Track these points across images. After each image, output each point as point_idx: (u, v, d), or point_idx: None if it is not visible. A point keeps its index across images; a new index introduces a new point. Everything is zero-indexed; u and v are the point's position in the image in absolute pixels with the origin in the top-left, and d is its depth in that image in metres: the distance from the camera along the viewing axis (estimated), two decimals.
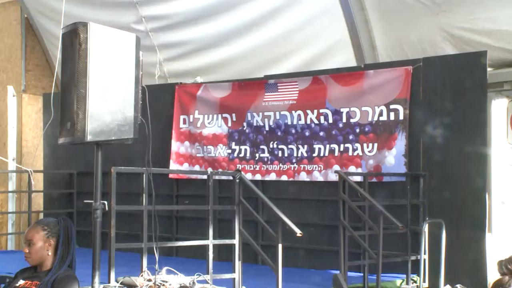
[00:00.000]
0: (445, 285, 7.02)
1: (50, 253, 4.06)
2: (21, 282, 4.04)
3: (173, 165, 9.75)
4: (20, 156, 11.80)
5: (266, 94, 9.08)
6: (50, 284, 3.90)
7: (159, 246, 5.57)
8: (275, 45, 9.54)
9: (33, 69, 12.22)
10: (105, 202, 5.00)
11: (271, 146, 9.00)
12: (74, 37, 4.72)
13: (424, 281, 7.31)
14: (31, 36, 12.21)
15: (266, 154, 9.04)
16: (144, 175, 5.71)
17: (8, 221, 11.60)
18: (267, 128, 9.06)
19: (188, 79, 10.16)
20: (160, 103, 9.70)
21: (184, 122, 9.83)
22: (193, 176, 9.56)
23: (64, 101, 4.86)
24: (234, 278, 6.32)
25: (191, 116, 9.74)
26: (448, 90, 7.76)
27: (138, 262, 5.77)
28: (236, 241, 6.40)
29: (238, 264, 6.35)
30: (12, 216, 11.60)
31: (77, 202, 10.62)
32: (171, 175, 9.69)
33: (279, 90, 8.99)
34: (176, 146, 9.84)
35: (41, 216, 10.71)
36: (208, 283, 5.99)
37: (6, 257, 9.26)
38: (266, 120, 9.06)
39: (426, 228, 7.25)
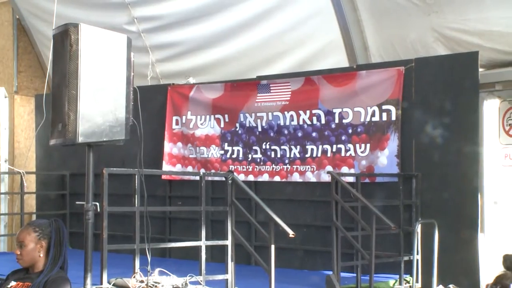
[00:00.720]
0: (438, 285, 7.03)
1: (41, 255, 4.05)
2: (13, 283, 4.03)
3: (166, 166, 9.74)
4: (12, 158, 11.76)
5: (258, 94, 9.08)
6: (42, 286, 3.90)
7: (152, 247, 5.57)
8: (268, 46, 9.54)
9: (25, 70, 12.18)
10: (97, 204, 4.99)
11: (263, 147, 9.00)
12: (65, 38, 4.70)
13: (417, 282, 7.33)
14: (23, 37, 12.18)
15: (259, 155, 9.04)
16: (136, 176, 5.70)
17: (1, 222, 11.55)
18: (259, 129, 9.06)
19: (181, 80, 10.14)
20: (152, 104, 9.69)
21: (177, 123, 9.81)
22: (186, 177, 9.55)
23: (55, 102, 4.84)
24: (226, 279, 6.31)
25: (184, 117, 9.73)
26: (440, 90, 7.78)
27: (131, 264, 5.76)
28: (228, 242, 6.40)
29: (230, 265, 6.35)
30: (4, 218, 11.56)
31: (70, 204, 10.60)
32: (164, 176, 9.68)
33: (271, 91, 8.99)
34: (169, 147, 9.82)
35: (34, 217, 10.69)
36: (200, 284, 5.99)
37: None
38: (258, 121, 9.06)
39: (418, 228, 7.27)
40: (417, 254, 7.30)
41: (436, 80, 7.82)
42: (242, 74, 9.58)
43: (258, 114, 9.07)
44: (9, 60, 12.08)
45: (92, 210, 4.96)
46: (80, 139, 4.65)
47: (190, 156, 9.63)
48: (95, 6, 10.68)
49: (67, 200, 10.71)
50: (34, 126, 11.65)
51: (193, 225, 6.95)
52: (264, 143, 9.00)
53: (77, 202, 5.15)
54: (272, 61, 9.60)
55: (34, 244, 4.05)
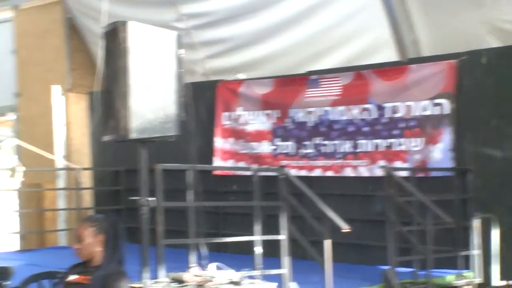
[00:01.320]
0: (501, 280, 6.91)
1: (99, 249, 4.11)
2: (75, 276, 4.10)
3: (218, 162, 9.78)
4: (68, 154, 11.97)
5: (308, 90, 9.06)
6: (100, 279, 3.95)
7: (206, 242, 5.58)
8: (315, 42, 9.47)
9: (78, 68, 12.34)
10: (150, 199, 5.04)
11: (315, 142, 8.97)
12: (114, 36, 4.77)
13: (476, 277, 7.20)
14: (75, 35, 12.36)
15: (311, 150, 9.01)
16: (188, 171, 5.72)
17: (59, 218, 11.79)
18: (310, 124, 9.03)
19: (230, 76, 10.17)
20: (202, 100, 9.73)
21: (227, 119, 9.85)
22: (238, 172, 9.57)
23: (107, 99, 4.91)
24: (282, 274, 6.30)
25: (234, 113, 9.76)
26: (494, 83, 7.62)
27: (186, 258, 5.79)
28: (283, 237, 6.39)
29: (286, 259, 6.34)
30: (63, 213, 11.79)
31: (125, 199, 10.71)
32: (215, 172, 9.72)
33: (321, 86, 8.96)
34: (221, 143, 9.86)
35: (90, 212, 10.86)
36: (256, 278, 5.99)
37: (57, 253, 9.43)
38: (309, 116, 9.03)
39: (475, 223, 7.15)
40: (477, 249, 7.17)
41: (490, 73, 7.65)
42: (290, 70, 9.56)
43: (309, 109, 9.04)
44: (62, 59, 12.28)
45: (147, 205, 5.02)
46: (133, 135, 4.70)
47: (242, 151, 9.65)
48: (144, 4, 10.79)
49: (123, 195, 10.85)
50: (88, 122, 11.84)
51: (246, 220, 6.95)
52: (316, 138, 8.96)
53: (130, 198, 5.21)
54: (320, 56, 9.53)
55: (92, 238, 4.10)
